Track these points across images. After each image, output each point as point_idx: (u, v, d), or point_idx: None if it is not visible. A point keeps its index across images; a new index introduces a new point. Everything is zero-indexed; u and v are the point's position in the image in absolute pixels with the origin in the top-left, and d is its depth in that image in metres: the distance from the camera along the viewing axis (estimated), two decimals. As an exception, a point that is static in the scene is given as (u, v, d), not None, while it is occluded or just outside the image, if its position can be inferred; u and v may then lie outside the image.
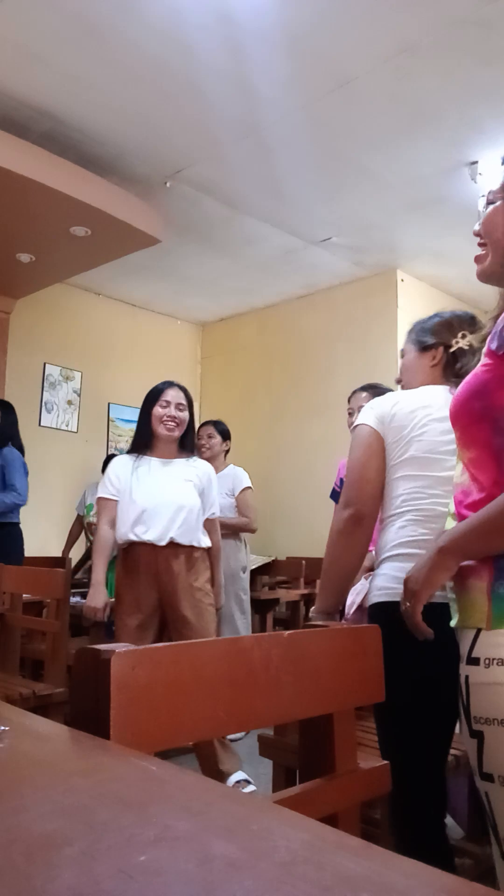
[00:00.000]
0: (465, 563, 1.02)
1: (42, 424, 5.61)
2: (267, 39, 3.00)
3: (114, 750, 0.61)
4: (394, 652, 1.06)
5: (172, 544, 2.61)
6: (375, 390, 2.84)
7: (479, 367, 1.04)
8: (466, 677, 0.97)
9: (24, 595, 2.87)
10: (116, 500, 2.71)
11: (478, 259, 1.12)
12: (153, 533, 2.61)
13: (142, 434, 2.81)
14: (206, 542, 2.72)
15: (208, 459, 3.66)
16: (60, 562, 4.44)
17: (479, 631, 0.97)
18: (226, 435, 4.08)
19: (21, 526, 4.13)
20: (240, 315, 6.54)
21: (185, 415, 2.80)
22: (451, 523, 1.09)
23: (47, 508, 5.33)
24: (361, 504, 1.51)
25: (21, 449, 4.11)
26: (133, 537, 2.64)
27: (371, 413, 1.57)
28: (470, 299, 5.46)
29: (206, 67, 3.18)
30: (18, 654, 2.77)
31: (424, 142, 3.67)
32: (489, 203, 1.11)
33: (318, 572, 4.89)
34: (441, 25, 2.89)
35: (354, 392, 3.05)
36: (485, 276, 1.12)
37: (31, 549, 4.47)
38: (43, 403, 5.64)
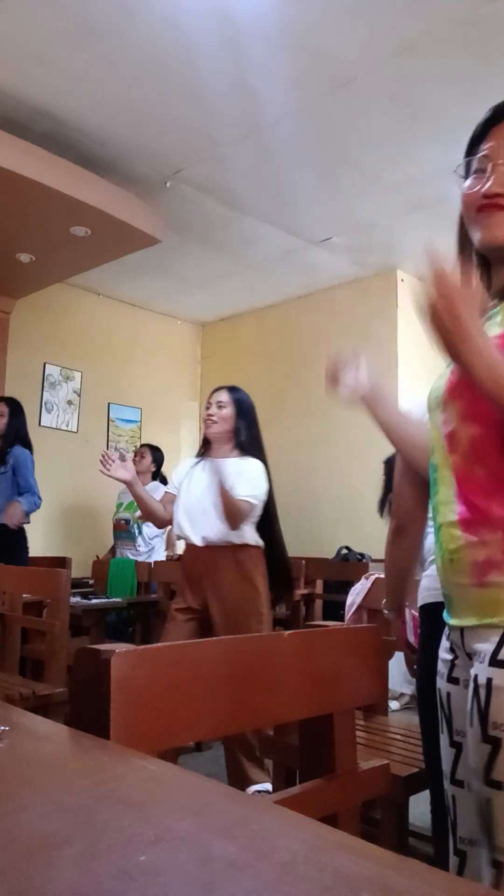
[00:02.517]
0: (485, 557, 0.94)
1: (42, 424, 5.61)
2: (267, 39, 2.99)
3: (114, 750, 0.61)
4: (436, 651, 1.09)
5: (209, 546, 2.61)
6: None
7: (493, 340, 0.95)
8: (489, 679, 0.90)
9: (24, 595, 2.87)
10: (174, 494, 2.76)
11: (497, 222, 1.00)
12: (190, 533, 2.65)
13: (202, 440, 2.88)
14: (246, 538, 2.62)
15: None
16: (61, 562, 4.44)
17: None
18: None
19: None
20: (240, 315, 6.54)
21: (226, 411, 2.73)
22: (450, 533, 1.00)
23: (47, 509, 5.33)
24: (399, 517, 1.63)
25: (30, 447, 4.11)
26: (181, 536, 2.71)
27: None
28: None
29: (206, 67, 3.18)
30: (18, 654, 2.77)
31: (424, 142, 3.67)
32: None
33: (318, 572, 4.85)
34: (441, 25, 2.89)
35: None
36: None
37: (32, 549, 4.46)
38: (43, 403, 5.64)
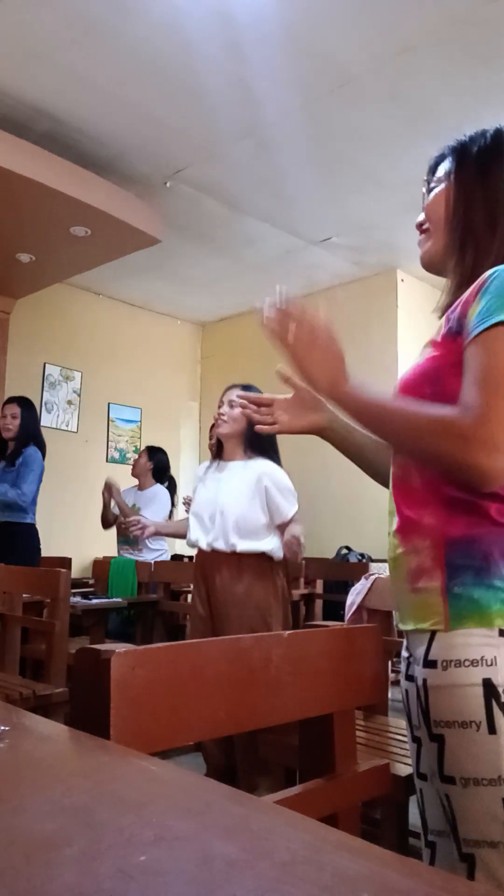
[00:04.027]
0: (416, 564, 0.99)
1: (42, 424, 5.60)
2: (267, 39, 2.99)
3: (114, 750, 0.61)
4: None
5: (215, 550, 2.55)
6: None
7: (432, 352, 1.03)
8: (424, 681, 0.95)
9: (24, 595, 2.86)
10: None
11: (420, 244, 1.15)
12: (199, 538, 2.60)
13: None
14: (259, 547, 2.53)
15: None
16: (61, 562, 4.44)
17: (433, 633, 0.95)
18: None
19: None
20: (240, 315, 6.54)
21: (237, 411, 2.57)
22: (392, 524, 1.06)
23: (47, 509, 5.33)
24: None
25: (43, 446, 4.08)
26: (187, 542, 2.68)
27: None
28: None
29: (206, 67, 3.18)
30: (18, 654, 2.77)
31: (424, 142, 3.66)
32: (431, 190, 1.13)
33: (318, 572, 4.83)
34: (441, 25, 2.89)
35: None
36: (427, 259, 1.14)
37: (31, 549, 4.46)
38: (43, 403, 5.64)
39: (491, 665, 0.90)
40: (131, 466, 4.77)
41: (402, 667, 1.10)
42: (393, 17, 2.86)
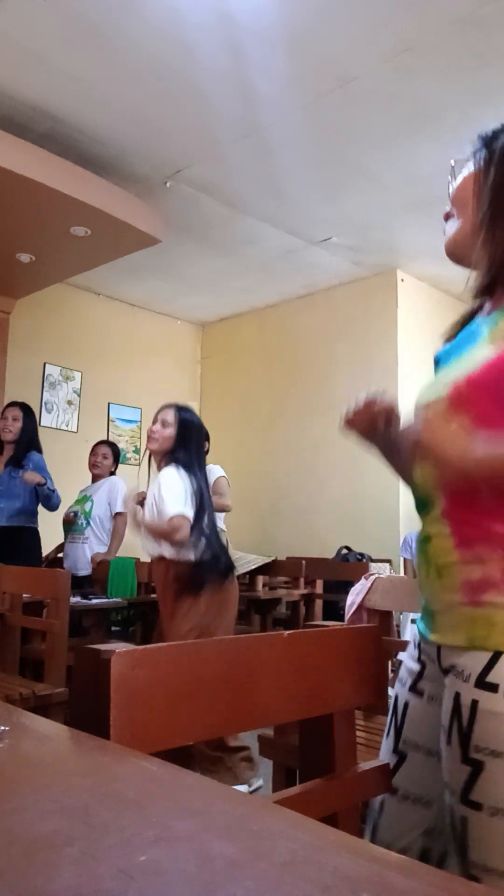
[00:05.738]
0: (481, 575, 0.89)
1: (42, 424, 5.60)
2: (267, 39, 2.99)
3: (114, 750, 0.61)
4: None
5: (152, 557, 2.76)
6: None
7: (500, 349, 0.92)
8: (474, 702, 0.86)
9: (24, 595, 2.86)
10: None
11: (446, 231, 1.07)
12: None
13: None
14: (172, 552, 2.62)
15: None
16: (61, 562, 4.42)
17: (498, 654, 0.86)
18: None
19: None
20: (240, 315, 6.54)
21: (168, 431, 2.75)
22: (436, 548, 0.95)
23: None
24: None
25: (40, 451, 4.18)
26: None
27: None
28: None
29: (206, 67, 3.18)
30: (18, 654, 2.77)
31: (424, 142, 3.67)
32: (456, 176, 1.08)
33: (318, 572, 4.81)
34: (441, 25, 2.89)
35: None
36: (452, 243, 1.06)
37: (32, 549, 4.45)
38: (43, 403, 5.64)
39: None
40: (93, 465, 4.48)
41: (408, 677, 1.03)
42: (393, 17, 2.86)
